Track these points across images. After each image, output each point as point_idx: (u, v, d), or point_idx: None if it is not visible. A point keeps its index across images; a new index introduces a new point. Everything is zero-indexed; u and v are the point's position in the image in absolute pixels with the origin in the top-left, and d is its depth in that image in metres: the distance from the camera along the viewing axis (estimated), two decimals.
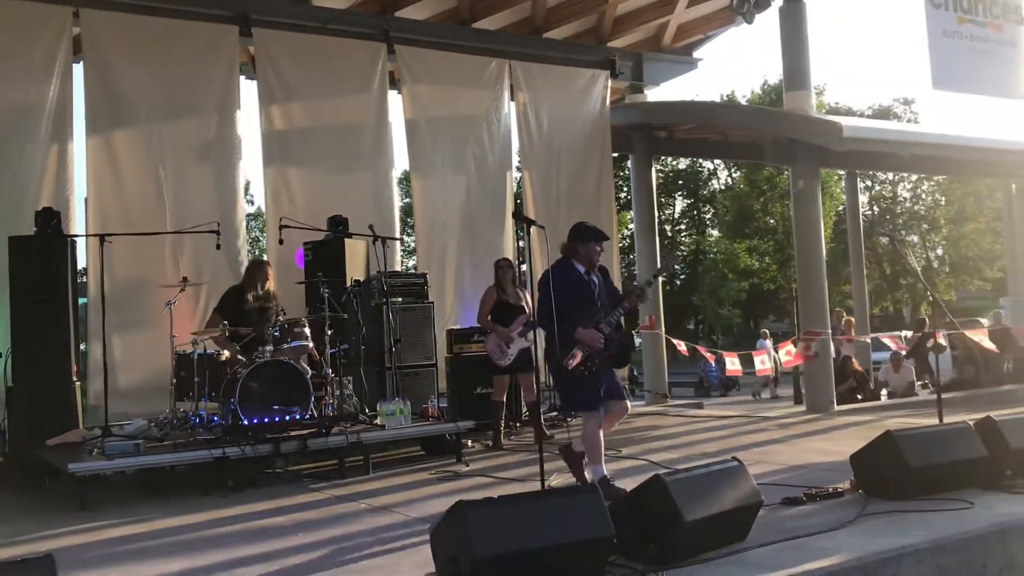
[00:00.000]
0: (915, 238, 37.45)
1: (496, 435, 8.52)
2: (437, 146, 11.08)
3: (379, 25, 10.83)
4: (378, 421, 7.63)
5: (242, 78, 10.23)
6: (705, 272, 37.30)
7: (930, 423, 6.42)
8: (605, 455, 5.83)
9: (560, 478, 6.23)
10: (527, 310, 8.21)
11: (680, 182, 39.63)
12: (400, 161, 12.62)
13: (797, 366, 12.23)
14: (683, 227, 41.58)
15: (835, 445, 7.81)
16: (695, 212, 40.64)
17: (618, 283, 9.16)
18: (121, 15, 9.27)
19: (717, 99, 35.78)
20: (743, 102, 35.38)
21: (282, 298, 8.56)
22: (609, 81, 12.51)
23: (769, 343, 18.73)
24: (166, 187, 9.31)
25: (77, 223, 8.97)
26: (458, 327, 10.10)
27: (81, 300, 8.56)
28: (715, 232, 39.97)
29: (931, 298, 7.67)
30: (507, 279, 8.57)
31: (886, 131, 14.02)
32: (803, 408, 11.38)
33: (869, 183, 36.54)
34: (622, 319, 5.88)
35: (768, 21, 11.74)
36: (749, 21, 11.21)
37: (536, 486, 5.08)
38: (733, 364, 12.12)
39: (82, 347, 8.72)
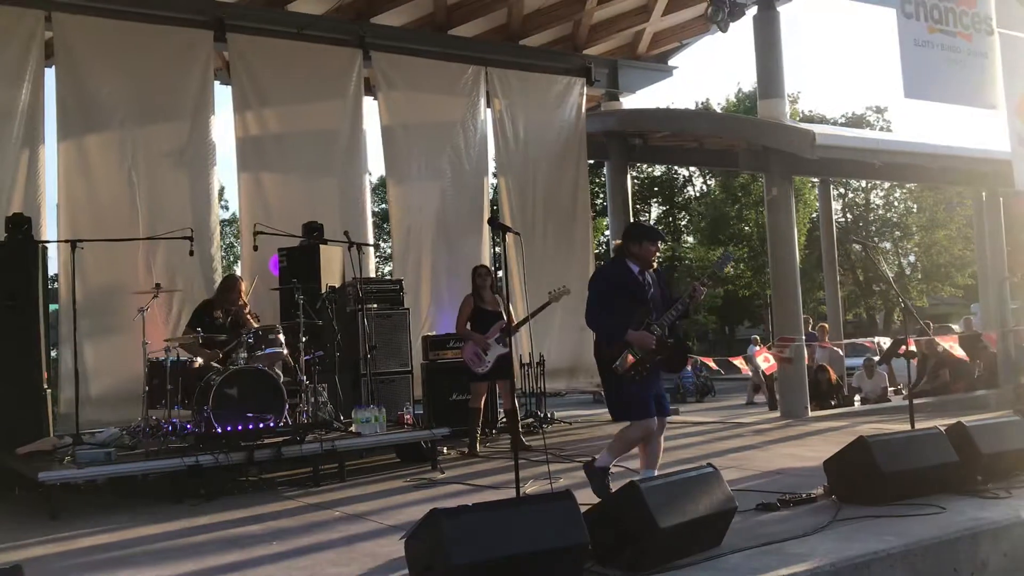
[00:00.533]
0: (888, 245, 37.84)
1: (472, 442, 8.50)
2: (413, 152, 11.07)
3: (355, 31, 10.81)
4: (353, 428, 7.60)
5: (217, 83, 10.18)
6: (680, 279, 37.43)
7: (902, 429, 6.47)
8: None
9: (536, 485, 6.22)
10: (505, 317, 8.20)
11: (656, 189, 39.74)
12: (376, 167, 12.60)
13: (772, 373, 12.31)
14: None
15: (809, 451, 7.86)
16: (670, 219, 40.75)
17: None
18: (94, 19, 9.19)
19: (692, 107, 36.00)
20: (718, 110, 35.60)
21: (256, 305, 8.51)
22: (585, 88, 12.56)
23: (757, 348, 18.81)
24: (139, 193, 9.24)
25: (48, 229, 8.87)
26: (434, 334, 10.08)
27: (52, 307, 8.47)
28: (690, 239, 40.14)
29: (902, 304, 7.74)
30: (485, 286, 8.56)
31: (858, 139, 14.13)
32: (778, 414, 11.45)
33: (842, 190, 36.88)
34: (677, 322, 5.55)
35: (742, 30, 11.83)
36: (723, 30, 11.29)
37: (512, 493, 5.08)
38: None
39: (53, 354, 8.62)
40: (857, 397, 14.19)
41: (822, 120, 35.45)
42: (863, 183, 35.79)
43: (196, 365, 7.48)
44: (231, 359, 7.41)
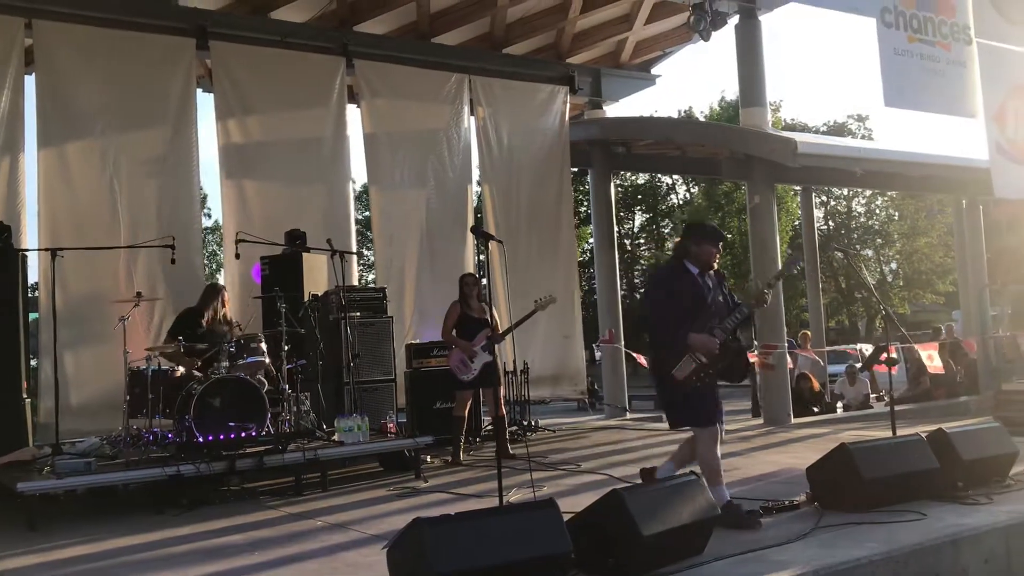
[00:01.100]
0: (870, 252, 38.08)
1: (456, 450, 8.48)
2: (397, 160, 11.07)
3: (338, 39, 10.81)
4: (336, 437, 7.56)
5: (199, 91, 10.14)
6: None
7: (884, 435, 6.50)
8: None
9: (519, 493, 6.21)
10: (491, 324, 8.19)
11: (639, 197, 39.84)
12: (359, 175, 12.60)
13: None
14: (642, 241, 41.84)
15: (792, 458, 7.89)
16: (654, 227, 40.86)
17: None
18: (75, 26, 9.15)
19: (675, 115, 36.14)
20: (701, 118, 35.74)
21: (238, 313, 8.46)
22: (568, 96, 12.60)
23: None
24: (120, 200, 9.19)
25: (29, 237, 8.82)
26: (417, 342, 10.06)
27: (32, 315, 8.40)
28: None
29: (884, 312, 7.78)
30: (472, 294, 8.53)
31: (839, 147, 14.26)
32: (761, 421, 11.49)
33: (824, 198, 37.12)
34: (738, 328, 5.30)
35: (725, 39, 11.90)
36: (706, 38, 11.32)
37: (495, 502, 5.07)
38: None
39: (32, 363, 8.54)
40: (839, 404, 14.24)
41: (804, 128, 35.69)
42: (845, 191, 36.01)
43: (177, 374, 7.44)
44: (212, 368, 7.36)
